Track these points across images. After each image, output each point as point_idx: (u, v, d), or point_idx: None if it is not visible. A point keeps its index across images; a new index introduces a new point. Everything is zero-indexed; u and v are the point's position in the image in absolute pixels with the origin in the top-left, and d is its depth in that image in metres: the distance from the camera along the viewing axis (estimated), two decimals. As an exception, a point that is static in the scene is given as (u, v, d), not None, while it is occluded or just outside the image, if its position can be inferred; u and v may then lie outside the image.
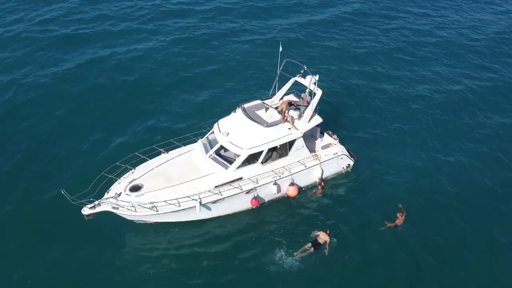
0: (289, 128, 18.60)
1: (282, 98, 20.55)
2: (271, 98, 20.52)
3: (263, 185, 18.35)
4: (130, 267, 16.67)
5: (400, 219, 18.58)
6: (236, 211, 18.77)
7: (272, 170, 18.49)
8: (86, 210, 16.28)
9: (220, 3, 38.20)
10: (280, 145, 18.54)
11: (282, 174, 18.75)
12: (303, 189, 20.03)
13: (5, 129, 23.13)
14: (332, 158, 20.09)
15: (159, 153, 19.19)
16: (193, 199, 16.80)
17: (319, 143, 21.06)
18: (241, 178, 18.00)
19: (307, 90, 19.86)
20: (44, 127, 23.42)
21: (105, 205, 16.48)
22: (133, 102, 25.58)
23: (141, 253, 17.30)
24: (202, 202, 17.03)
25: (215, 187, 17.52)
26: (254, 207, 18.49)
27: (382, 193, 20.19)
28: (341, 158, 20.46)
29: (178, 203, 16.74)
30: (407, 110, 26.24)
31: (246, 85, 27.41)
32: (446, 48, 33.85)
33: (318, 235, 17.73)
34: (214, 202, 17.59)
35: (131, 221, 17.73)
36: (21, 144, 22.14)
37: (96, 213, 16.47)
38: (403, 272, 16.94)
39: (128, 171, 18.19)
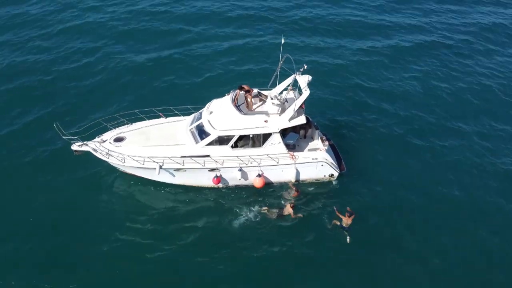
0: (265, 121, 18.82)
1: (281, 92, 20.63)
2: (270, 89, 20.74)
3: (227, 168, 19.12)
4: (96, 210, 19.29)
5: (346, 219, 18.06)
6: (202, 185, 19.98)
7: (237, 156, 19.05)
8: (74, 146, 19.36)
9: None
10: (254, 134, 18.93)
11: (250, 163, 19.19)
12: (274, 184, 20.16)
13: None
14: (310, 162, 19.64)
15: (159, 116, 21.35)
16: (154, 162, 18.58)
17: (312, 144, 20.72)
18: (208, 156, 19.05)
19: (290, 88, 19.83)
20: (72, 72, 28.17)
21: (89, 146, 19.34)
22: (150, 72, 28.69)
23: (112, 201, 19.77)
24: (163, 167, 18.68)
25: (181, 157, 18.94)
26: (215, 185, 19.47)
27: (360, 205, 19.62)
28: (322, 165, 19.83)
29: (143, 161, 18.71)
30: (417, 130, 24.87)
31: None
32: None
33: (284, 206, 18.97)
34: (178, 170, 19.08)
35: (115, 167, 20.39)
36: (47, 85, 26.97)
37: (83, 151, 19.48)
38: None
39: (126, 124, 20.75)
